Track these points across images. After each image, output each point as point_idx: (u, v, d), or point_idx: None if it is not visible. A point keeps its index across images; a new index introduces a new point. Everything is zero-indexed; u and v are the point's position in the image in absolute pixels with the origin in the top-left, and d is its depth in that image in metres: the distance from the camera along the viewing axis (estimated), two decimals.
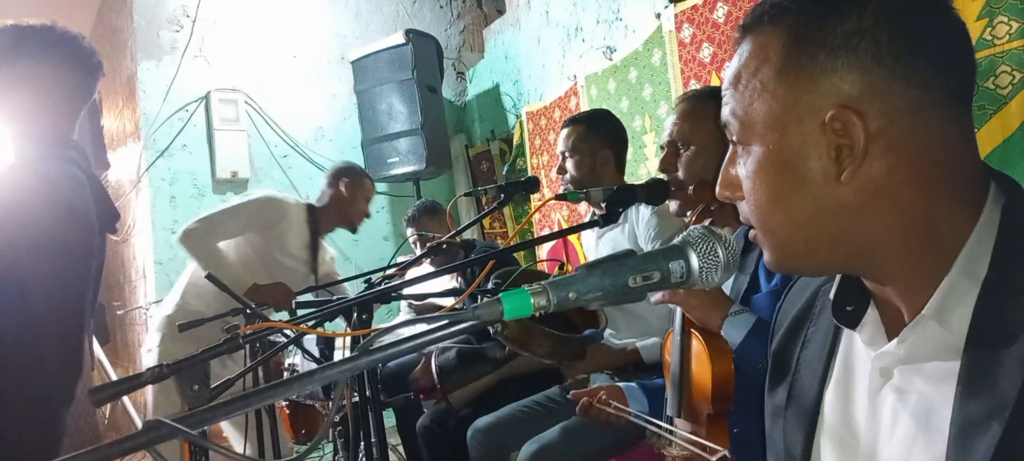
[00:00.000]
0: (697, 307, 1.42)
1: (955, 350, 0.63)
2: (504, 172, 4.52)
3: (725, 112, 0.73)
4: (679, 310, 1.48)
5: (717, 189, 0.76)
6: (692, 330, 1.46)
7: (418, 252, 3.19)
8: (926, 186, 0.65)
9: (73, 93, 1.65)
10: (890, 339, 0.70)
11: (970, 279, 0.63)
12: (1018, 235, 0.63)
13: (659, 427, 1.52)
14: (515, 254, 3.14)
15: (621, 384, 1.87)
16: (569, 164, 2.32)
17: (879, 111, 0.63)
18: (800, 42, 0.66)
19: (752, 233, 0.75)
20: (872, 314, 0.73)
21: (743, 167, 0.72)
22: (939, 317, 0.64)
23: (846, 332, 0.77)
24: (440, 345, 2.65)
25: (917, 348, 0.66)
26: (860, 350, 0.75)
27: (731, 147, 0.74)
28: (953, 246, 0.65)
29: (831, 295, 0.75)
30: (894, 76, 0.64)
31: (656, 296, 1.45)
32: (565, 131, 2.36)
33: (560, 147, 2.36)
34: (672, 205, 1.66)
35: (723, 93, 0.73)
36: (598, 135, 2.35)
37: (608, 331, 2.30)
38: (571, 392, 1.90)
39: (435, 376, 2.62)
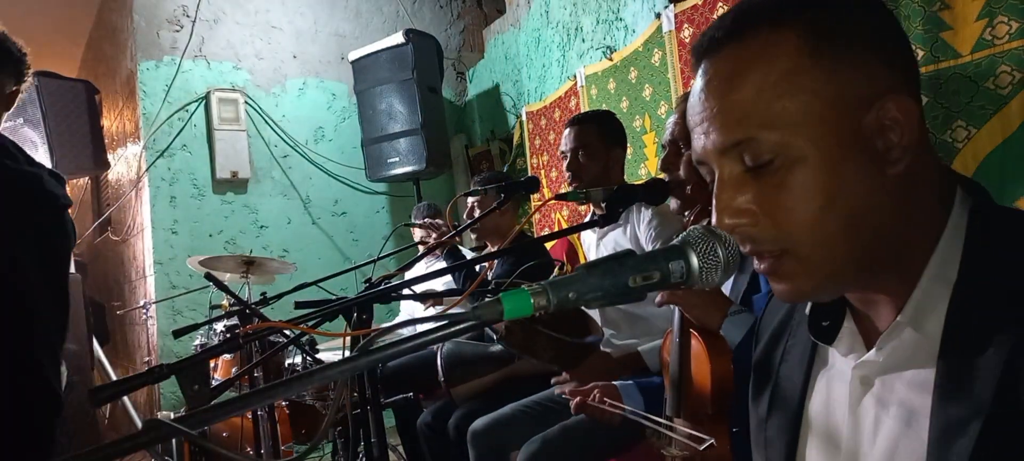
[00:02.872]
0: (697, 307, 1.42)
1: (931, 355, 0.63)
2: (504, 172, 4.52)
3: (732, 132, 0.65)
4: (678, 310, 1.48)
5: (722, 223, 0.67)
6: (691, 330, 1.46)
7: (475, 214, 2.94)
8: (930, 183, 0.65)
9: None
10: (868, 348, 0.70)
11: (942, 284, 0.64)
12: (985, 239, 0.64)
13: (656, 422, 1.52)
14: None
15: (616, 382, 1.86)
16: (581, 160, 2.30)
17: (907, 104, 0.63)
18: (828, 35, 0.63)
19: (766, 265, 0.66)
20: (849, 326, 0.73)
21: (772, 181, 0.64)
22: (914, 322, 0.64)
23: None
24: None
25: (896, 355, 0.66)
26: (839, 360, 0.75)
27: (733, 172, 0.66)
28: (927, 249, 0.65)
29: (807, 310, 0.75)
30: (908, 70, 0.65)
31: (657, 298, 1.45)
32: (575, 128, 2.34)
33: (570, 144, 2.33)
34: (672, 203, 1.66)
35: (721, 109, 0.65)
36: (609, 134, 2.35)
37: (609, 332, 2.30)
38: (568, 389, 1.90)
39: (440, 369, 2.61)
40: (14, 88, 1.75)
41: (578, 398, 1.82)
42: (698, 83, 0.68)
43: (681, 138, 1.67)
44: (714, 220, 0.68)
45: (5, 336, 1.56)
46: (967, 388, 0.59)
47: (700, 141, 0.68)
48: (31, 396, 1.56)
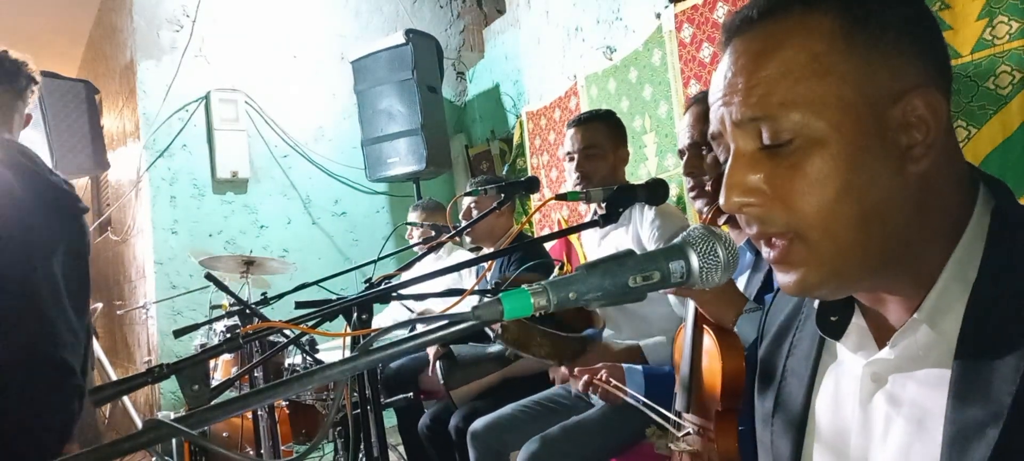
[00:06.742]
0: (711, 302, 1.41)
1: (947, 355, 0.62)
2: (504, 172, 4.52)
3: (753, 106, 0.64)
4: (692, 305, 1.47)
5: (731, 201, 0.66)
6: (704, 326, 1.45)
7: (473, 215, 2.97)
8: (952, 182, 0.64)
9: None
10: (878, 345, 0.69)
11: (961, 283, 0.62)
12: (1007, 239, 0.62)
13: (656, 412, 1.52)
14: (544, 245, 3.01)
15: (624, 365, 1.85)
16: (590, 160, 2.28)
17: (935, 100, 0.62)
18: (863, 21, 0.62)
19: (775, 252, 0.65)
20: (857, 322, 0.71)
21: (787, 162, 0.63)
22: (931, 321, 0.63)
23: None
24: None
25: (909, 353, 0.65)
26: (847, 356, 0.73)
27: (747, 148, 0.65)
28: (947, 247, 0.64)
29: (815, 304, 0.74)
30: (940, 64, 0.64)
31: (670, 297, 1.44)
32: (582, 128, 2.31)
33: (578, 144, 2.29)
34: (697, 203, 1.67)
35: (747, 85, 0.64)
36: (615, 134, 2.34)
37: (608, 331, 2.29)
38: (576, 369, 1.89)
39: (438, 372, 2.61)
40: (28, 112, 1.91)
41: (586, 376, 1.81)
42: (726, 60, 0.67)
43: (702, 140, 1.65)
44: (722, 198, 0.66)
45: (33, 330, 1.61)
46: (984, 390, 0.58)
47: (719, 113, 0.67)
48: (57, 384, 1.63)
